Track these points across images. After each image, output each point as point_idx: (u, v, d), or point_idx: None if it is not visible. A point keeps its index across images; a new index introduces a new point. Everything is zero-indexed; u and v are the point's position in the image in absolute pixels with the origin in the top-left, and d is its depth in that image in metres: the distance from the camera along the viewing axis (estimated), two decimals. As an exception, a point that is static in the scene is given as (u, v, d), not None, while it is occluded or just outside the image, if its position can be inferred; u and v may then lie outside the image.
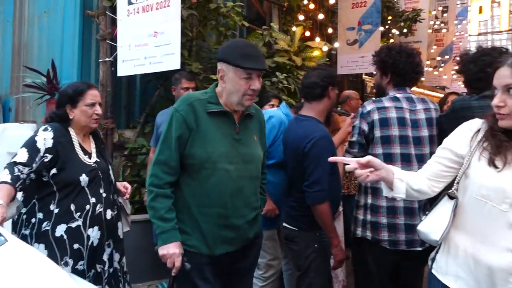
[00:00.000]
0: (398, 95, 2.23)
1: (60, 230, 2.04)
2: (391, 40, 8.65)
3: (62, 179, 2.06)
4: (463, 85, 2.44)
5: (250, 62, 1.78)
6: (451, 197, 1.47)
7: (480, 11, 15.48)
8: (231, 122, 1.88)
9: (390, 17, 8.13)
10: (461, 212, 1.46)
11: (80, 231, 2.07)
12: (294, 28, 5.65)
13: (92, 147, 2.26)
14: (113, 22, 3.91)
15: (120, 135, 4.13)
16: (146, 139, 4.11)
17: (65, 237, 2.04)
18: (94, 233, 2.11)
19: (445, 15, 11.27)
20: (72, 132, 2.18)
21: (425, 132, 2.16)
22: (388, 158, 2.12)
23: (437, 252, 1.57)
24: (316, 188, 2.18)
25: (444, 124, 2.17)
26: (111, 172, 2.29)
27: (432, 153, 2.14)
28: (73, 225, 2.06)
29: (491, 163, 1.38)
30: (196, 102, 1.83)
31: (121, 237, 2.32)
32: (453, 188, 1.49)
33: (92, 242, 2.11)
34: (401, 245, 2.13)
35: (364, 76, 7.92)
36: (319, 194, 2.18)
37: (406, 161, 2.12)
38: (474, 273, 1.39)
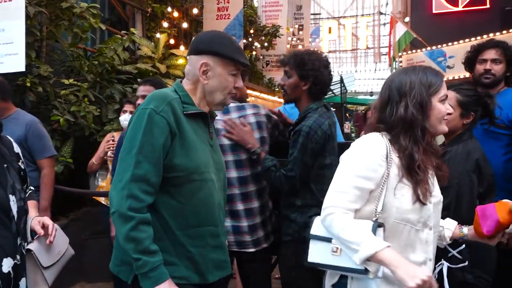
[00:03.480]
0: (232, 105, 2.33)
1: None
2: (254, 52, 9.18)
3: None
4: None
5: (243, 57, 1.57)
6: (379, 225, 1.40)
7: (330, 31, 17.55)
8: (205, 126, 1.61)
9: (252, 31, 8.62)
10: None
11: None
12: (158, 35, 5.56)
13: None
14: None
15: None
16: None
17: None
18: None
19: (301, 32, 12.44)
20: None
21: (256, 135, 2.22)
22: (239, 164, 2.21)
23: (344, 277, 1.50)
24: None
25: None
26: (12, 204, 1.59)
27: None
28: None
29: (416, 197, 1.41)
30: (174, 102, 1.50)
31: None
32: (377, 216, 1.41)
33: None
34: (232, 246, 2.17)
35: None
36: None
37: (240, 167, 2.19)
38: None
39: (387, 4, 20.09)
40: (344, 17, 20.04)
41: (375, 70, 21.99)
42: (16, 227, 1.58)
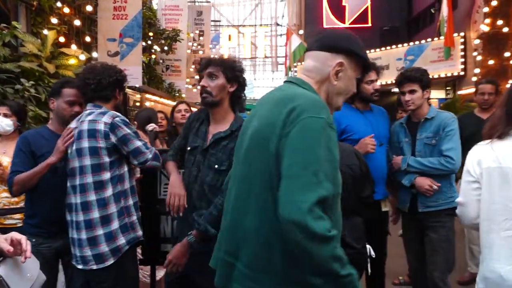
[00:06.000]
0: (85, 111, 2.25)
1: None
2: (153, 56, 8.93)
3: None
4: None
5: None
6: None
7: (230, 39, 17.95)
8: None
9: (151, 34, 8.39)
10: None
11: None
12: (46, 32, 5.10)
13: None
14: None
15: None
16: None
17: None
18: None
19: (201, 38, 12.46)
20: None
21: (84, 144, 2.10)
22: (70, 173, 2.16)
23: None
24: None
25: None
26: None
27: (93, 165, 2.10)
28: None
29: None
30: None
31: None
32: None
33: None
34: (72, 259, 2.15)
35: (127, 89, 7.86)
36: None
37: (72, 175, 2.15)
38: None
39: (283, 16, 21.18)
40: (244, 25, 20.62)
41: (273, 78, 22.98)
42: None
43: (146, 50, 8.24)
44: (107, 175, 2.08)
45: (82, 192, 2.08)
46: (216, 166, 2.02)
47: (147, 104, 8.04)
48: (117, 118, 2.13)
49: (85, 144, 2.08)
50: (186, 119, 2.34)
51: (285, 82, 1.49)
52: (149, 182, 2.53)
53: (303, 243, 1.17)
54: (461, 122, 3.56)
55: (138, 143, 2.13)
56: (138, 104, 7.92)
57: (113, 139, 2.09)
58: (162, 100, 9.25)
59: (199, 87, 2.25)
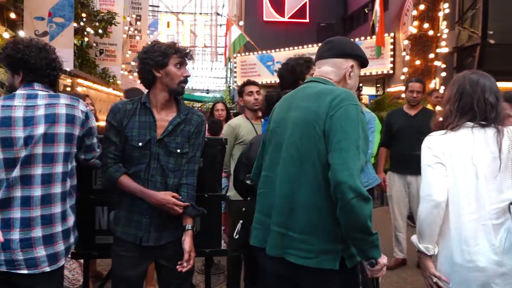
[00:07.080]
0: (19, 92, 1.91)
1: None
2: (86, 39, 8.46)
3: None
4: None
5: None
6: None
7: (168, 26, 17.47)
8: None
9: (84, 15, 7.93)
10: None
11: None
12: (-38, 5, 4.63)
13: None
14: None
15: None
16: None
17: None
18: None
19: (138, 23, 12.01)
20: None
21: (61, 129, 1.88)
22: (24, 161, 1.80)
23: None
24: None
25: None
26: None
27: (65, 153, 1.86)
28: None
29: None
30: None
31: None
32: None
33: None
34: (1, 266, 1.79)
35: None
36: None
37: (27, 164, 1.81)
38: None
39: (223, 6, 21.02)
40: (183, 13, 20.17)
41: (212, 68, 22.82)
42: None
43: (79, 32, 7.78)
44: (69, 166, 1.90)
45: (46, 183, 1.82)
46: (178, 150, 2.06)
47: (79, 89, 7.61)
48: (87, 107, 1.99)
49: (62, 129, 1.86)
50: (108, 118, 2.12)
51: (310, 81, 1.82)
52: (84, 171, 2.40)
53: (353, 202, 1.45)
54: (391, 117, 3.88)
55: (95, 140, 2.02)
56: (68, 89, 7.47)
57: (84, 128, 1.94)
58: (95, 86, 8.80)
59: (135, 74, 2.14)
